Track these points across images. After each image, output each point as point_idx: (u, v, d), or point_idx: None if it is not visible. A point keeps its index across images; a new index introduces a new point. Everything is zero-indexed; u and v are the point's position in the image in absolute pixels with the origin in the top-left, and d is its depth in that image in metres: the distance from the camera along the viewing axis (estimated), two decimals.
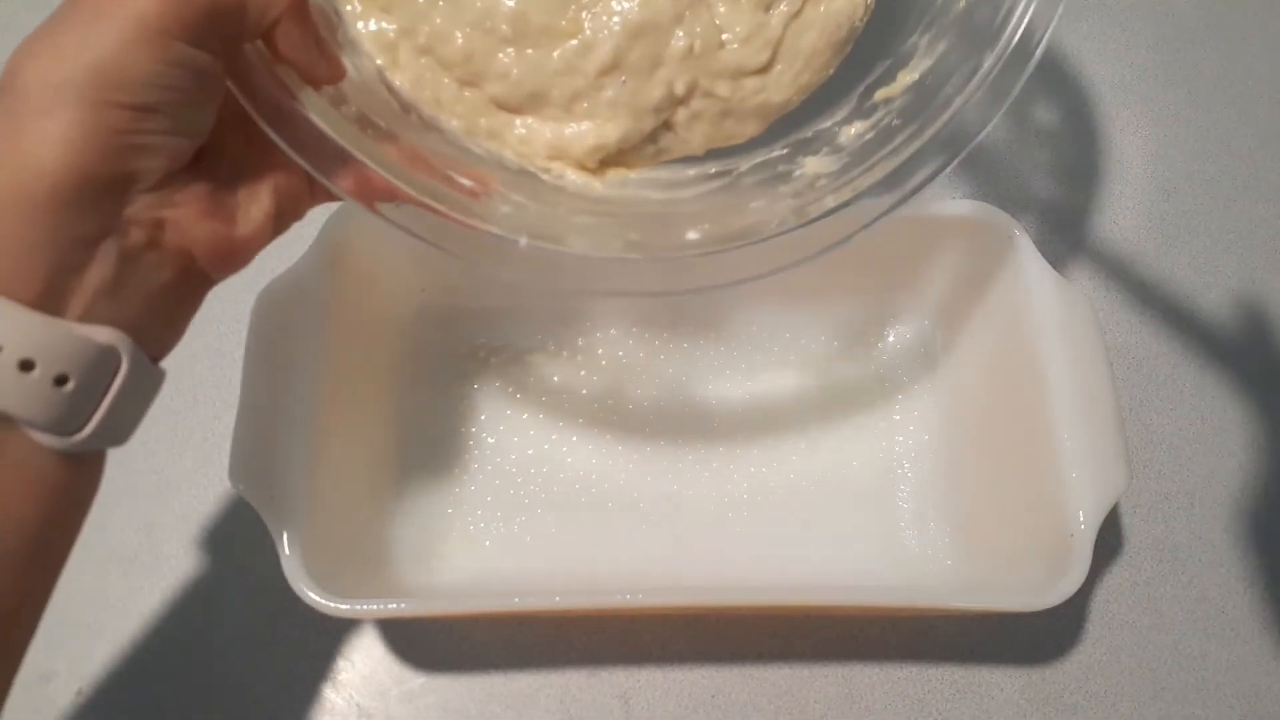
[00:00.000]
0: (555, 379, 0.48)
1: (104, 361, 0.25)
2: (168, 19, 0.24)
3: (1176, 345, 0.50)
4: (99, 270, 0.25)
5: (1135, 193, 0.54)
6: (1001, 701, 0.43)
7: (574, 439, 0.47)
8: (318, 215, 0.39)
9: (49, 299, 0.24)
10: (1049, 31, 0.34)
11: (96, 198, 0.24)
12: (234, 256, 0.28)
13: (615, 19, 0.35)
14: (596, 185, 0.37)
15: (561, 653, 0.43)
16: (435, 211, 0.32)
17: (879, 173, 0.35)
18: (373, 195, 0.30)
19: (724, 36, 0.36)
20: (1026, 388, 0.41)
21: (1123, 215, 0.53)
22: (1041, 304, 0.41)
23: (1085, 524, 0.37)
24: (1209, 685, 0.43)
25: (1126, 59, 0.57)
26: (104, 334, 0.25)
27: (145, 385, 0.27)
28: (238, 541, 0.45)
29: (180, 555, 0.45)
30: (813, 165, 0.38)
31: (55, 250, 0.24)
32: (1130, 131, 0.56)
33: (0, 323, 0.23)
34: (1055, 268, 0.42)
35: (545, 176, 0.37)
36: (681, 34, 0.36)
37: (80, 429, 0.25)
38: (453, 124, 0.36)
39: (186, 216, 0.27)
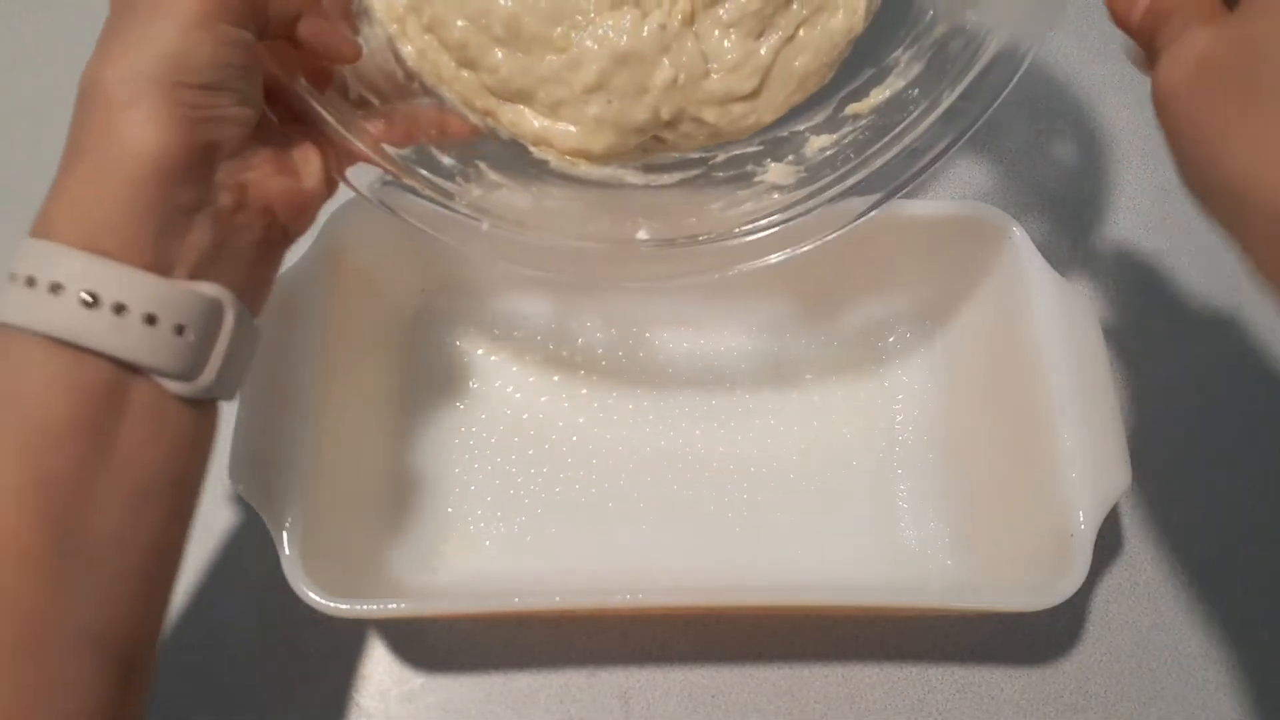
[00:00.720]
0: (555, 379, 0.48)
1: (214, 312, 0.29)
2: (211, 5, 0.28)
3: (1176, 345, 0.50)
4: (199, 234, 0.28)
5: (1135, 193, 0.54)
6: (1001, 701, 0.43)
7: (574, 439, 0.46)
8: (318, 216, 0.39)
9: (160, 263, 0.27)
10: (1014, 78, 0.35)
11: (190, 169, 0.28)
12: (305, 209, 0.33)
13: (602, 44, 0.36)
14: (581, 164, 0.38)
15: (561, 653, 0.43)
16: (410, 189, 0.35)
17: (827, 196, 0.37)
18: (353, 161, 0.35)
19: (710, 65, 0.37)
20: (1027, 387, 0.41)
21: (1123, 215, 0.53)
22: (1041, 304, 0.41)
23: (1085, 524, 0.37)
24: (1209, 685, 0.43)
25: (1127, 59, 0.57)
26: (210, 289, 0.29)
27: (249, 337, 0.31)
28: (238, 541, 0.45)
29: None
30: (775, 173, 0.39)
31: (161, 220, 0.27)
32: (1130, 131, 0.55)
33: (125, 285, 0.27)
34: (1055, 268, 0.42)
35: (533, 150, 0.38)
36: (668, 64, 0.36)
37: (201, 374, 0.29)
38: (451, 95, 0.38)
39: (263, 175, 0.31)
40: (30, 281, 0.26)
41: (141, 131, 0.27)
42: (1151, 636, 0.44)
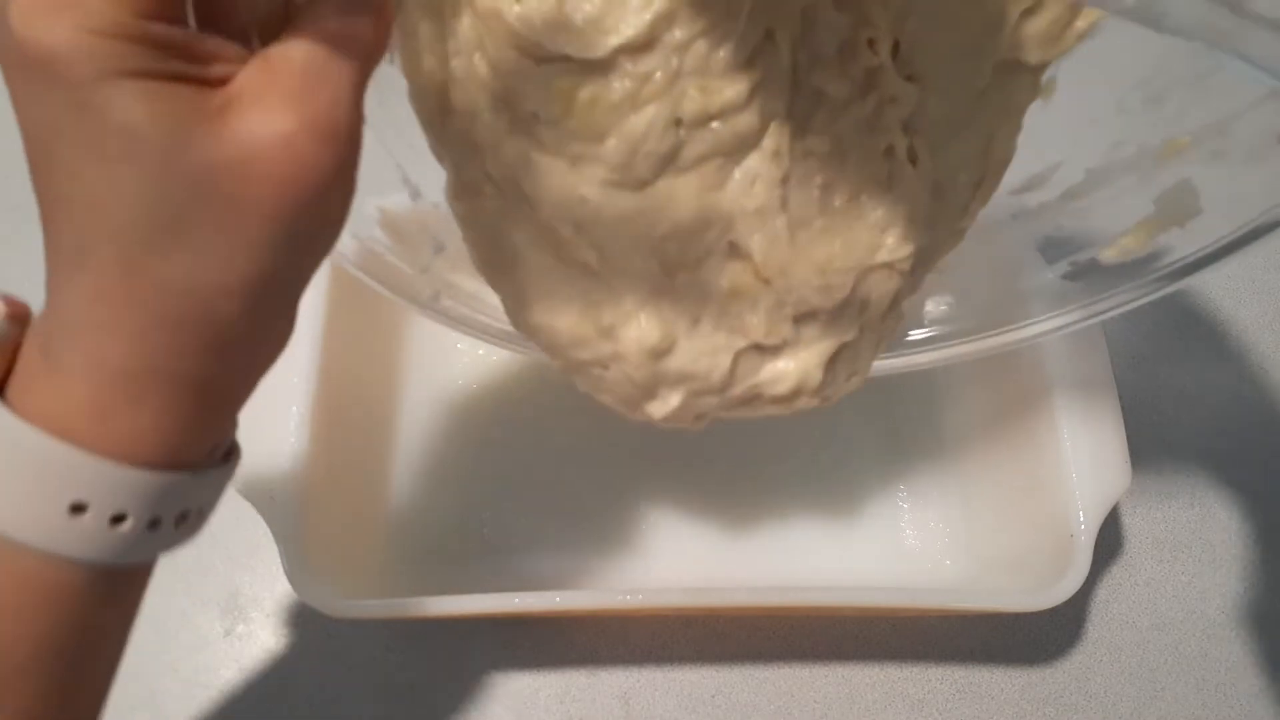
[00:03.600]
0: (556, 379, 0.48)
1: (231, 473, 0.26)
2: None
3: (1177, 345, 0.50)
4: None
5: None
6: (1001, 701, 0.43)
7: (574, 439, 0.46)
8: None
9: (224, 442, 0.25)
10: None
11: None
12: None
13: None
14: None
15: (561, 653, 0.43)
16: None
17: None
18: None
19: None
20: (1027, 388, 0.41)
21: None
22: None
23: (1085, 524, 0.37)
24: (1209, 685, 0.43)
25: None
26: (237, 451, 0.26)
27: None
28: (238, 542, 0.45)
29: (180, 556, 0.45)
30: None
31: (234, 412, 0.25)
32: None
33: (206, 494, 0.25)
34: None
35: None
36: None
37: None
38: None
39: None
40: (117, 519, 0.22)
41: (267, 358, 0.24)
42: (1151, 636, 0.44)
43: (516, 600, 0.37)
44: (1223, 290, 0.51)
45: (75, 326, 0.21)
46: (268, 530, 0.37)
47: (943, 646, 0.43)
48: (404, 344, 0.48)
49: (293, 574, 0.36)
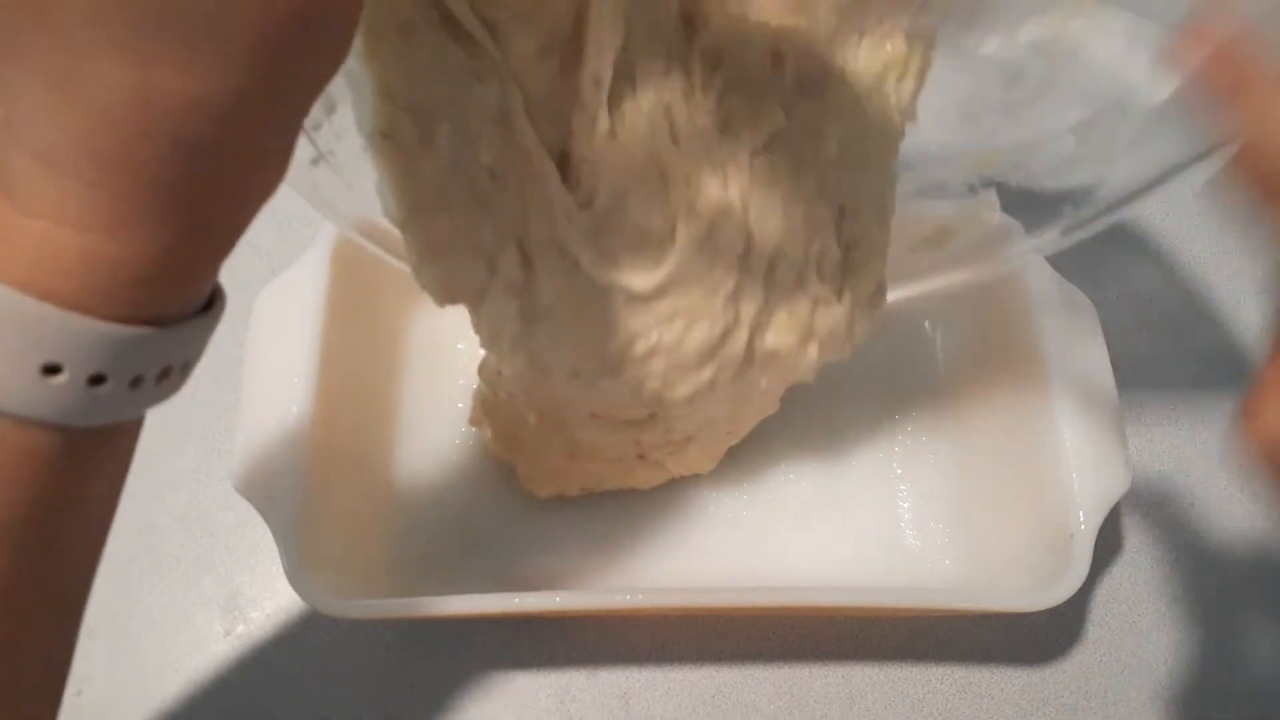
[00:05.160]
0: None
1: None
2: None
3: (1177, 345, 0.50)
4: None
5: None
6: (1001, 701, 0.43)
7: None
8: (319, 216, 0.39)
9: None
10: None
11: None
12: None
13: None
14: None
15: (561, 653, 0.43)
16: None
17: None
18: None
19: None
20: (1027, 387, 0.41)
21: (1124, 213, 0.53)
22: (1042, 303, 0.41)
23: (1085, 524, 0.38)
24: (1209, 685, 0.43)
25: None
26: (219, 305, 0.24)
27: None
28: (238, 542, 0.45)
29: (180, 555, 0.45)
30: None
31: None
32: None
33: (178, 347, 0.22)
34: (1055, 267, 0.42)
35: None
36: None
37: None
38: None
39: None
40: (96, 380, 0.20)
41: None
42: (1151, 636, 0.44)
43: (516, 600, 0.37)
44: (1225, 289, 0.51)
45: (52, 163, 0.19)
46: (268, 530, 0.37)
47: (943, 646, 0.43)
48: (404, 344, 0.48)
49: (293, 574, 0.36)
